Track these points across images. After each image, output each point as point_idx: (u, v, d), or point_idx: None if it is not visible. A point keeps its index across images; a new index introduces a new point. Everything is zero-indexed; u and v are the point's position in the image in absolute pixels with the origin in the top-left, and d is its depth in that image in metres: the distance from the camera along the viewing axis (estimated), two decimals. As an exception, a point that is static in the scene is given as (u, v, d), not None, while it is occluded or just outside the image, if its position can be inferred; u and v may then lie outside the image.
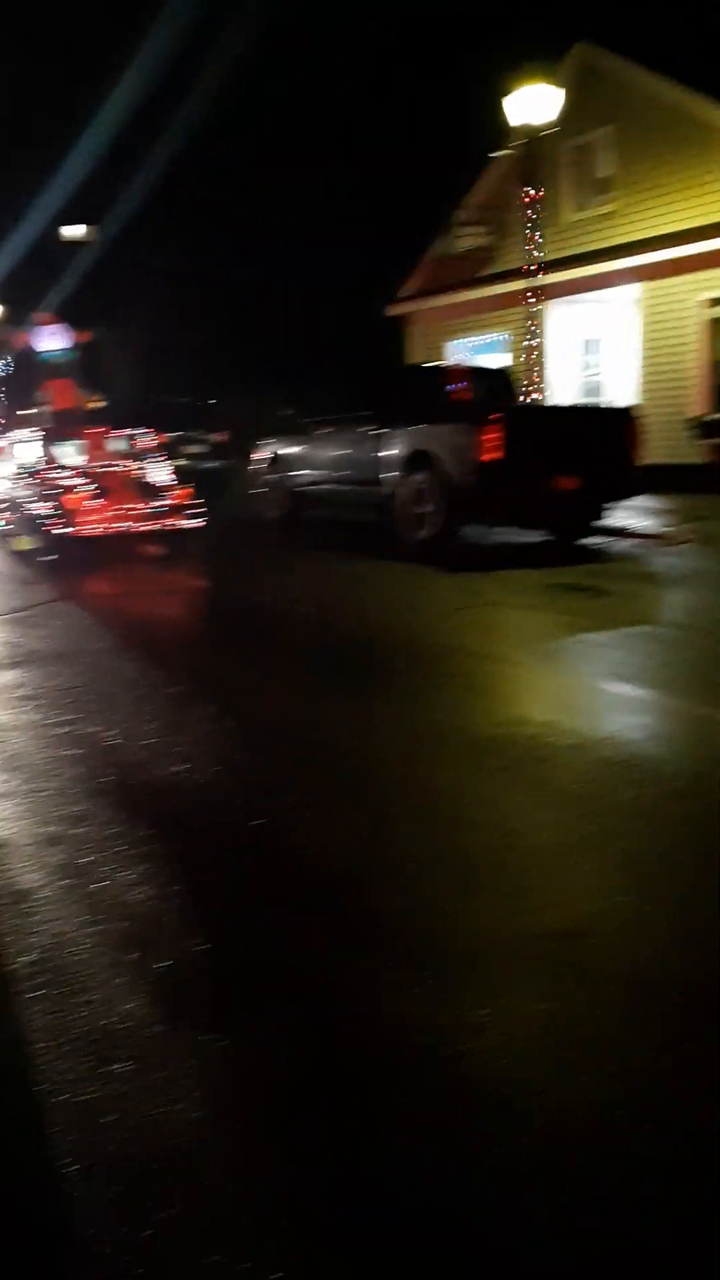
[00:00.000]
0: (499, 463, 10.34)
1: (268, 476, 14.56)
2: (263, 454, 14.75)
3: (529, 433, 11.01)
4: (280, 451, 14.17)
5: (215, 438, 22.41)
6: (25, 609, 9.01)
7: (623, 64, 18.50)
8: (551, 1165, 2.12)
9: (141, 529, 11.26)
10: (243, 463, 15.93)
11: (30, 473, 12.38)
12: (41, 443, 12.68)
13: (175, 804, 4.17)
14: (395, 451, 11.64)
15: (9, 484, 13.22)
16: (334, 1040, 2.57)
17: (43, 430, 13.02)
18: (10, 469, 13.35)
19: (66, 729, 5.21)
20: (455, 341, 23.27)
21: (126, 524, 11.15)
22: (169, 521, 11.42)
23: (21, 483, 12.62)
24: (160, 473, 12.27)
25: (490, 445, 10.37)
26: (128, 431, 12.96)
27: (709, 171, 17.07)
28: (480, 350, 22.50)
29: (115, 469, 12.03)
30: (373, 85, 29.21)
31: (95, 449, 12.59)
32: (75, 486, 11.28)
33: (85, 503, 11.04)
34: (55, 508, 11.07)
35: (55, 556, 11.05)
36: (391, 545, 11.33)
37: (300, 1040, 2.55)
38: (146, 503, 11.43)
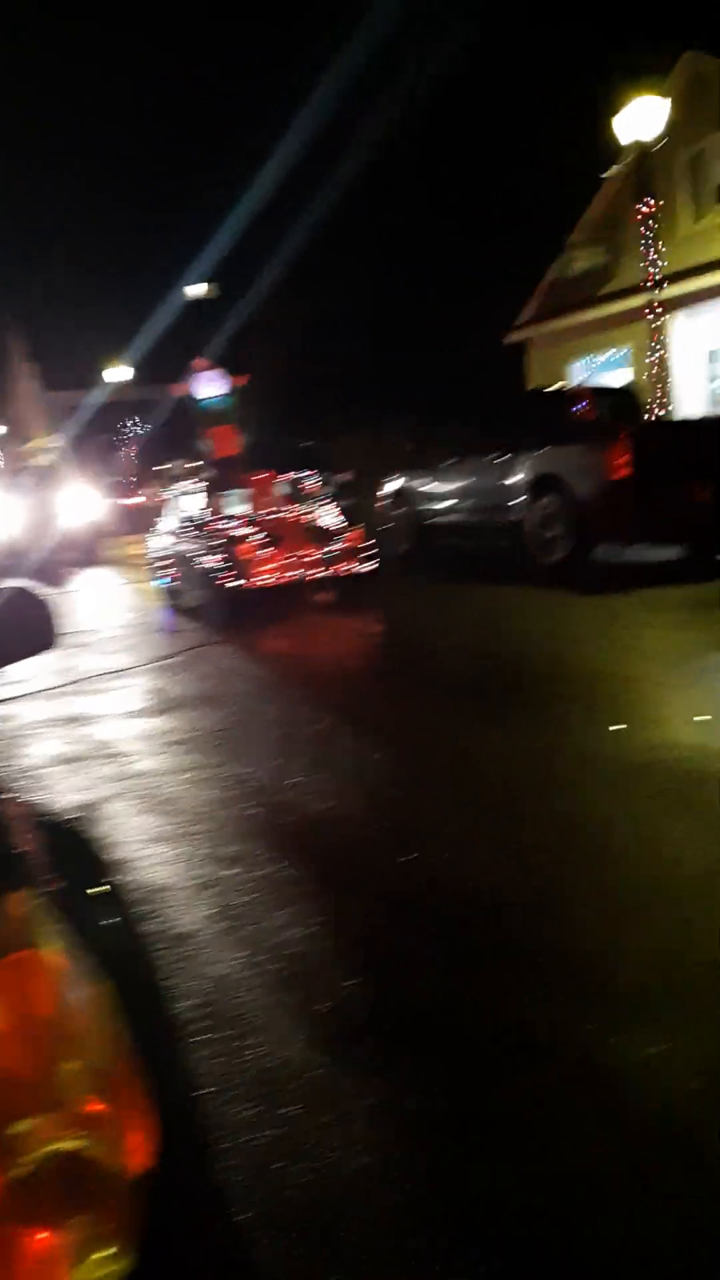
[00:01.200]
0: (628, 480, 10.14)
1: (394, 511, 14.63)
2: (388, 489, 14.83)
3: (657, 448, 10.77)
4: (405, 485, 14.23)
5: (340, 477, 22.65)
6: (198, 670, 9.21)
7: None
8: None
9: (315, 576, 10.64)
10: (369, 500, 15.84)
11: (196, 524, 11.65)
12: (205, 492, 11.90)
13: (328, 842, 4.17)
14: (521, 476, 11.55)
15: (173, 538, 12.43)
16: (501, 1080, 2.50)
17: (206, 479, 12.25)
18: (174, 522, 12.63)
19: (230, 771, 5.29)
20: (576, 362, 23.04)
21: (300, 572, 10.53)
22: (343, 566, 10.76)
23: (188, 536, 11.82)
24: (329, 516, 11.48)
25: (619, 463, 10.19)
26: (293, 475, 12.21)
27: None
28: (603, 369, 22.21)
29: (285, 515, 11.30)
30: (481, 115, 29.36)
31: (261, 495, 11.83)
32: (246, 536, 10.61)
33: (257, 552, 10.40)
34: (226, 559, 10.42)
35: (226, 611, 10.38)
36: (524, 572, 11.21)
37: (466, 1080, 2.50)
38: (319, 548, 10.74)
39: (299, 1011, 2.85)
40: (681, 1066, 2.45)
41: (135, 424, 38.97)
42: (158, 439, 38.44)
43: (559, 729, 5.55)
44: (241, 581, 10.20)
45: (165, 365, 36.81)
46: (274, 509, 11.39)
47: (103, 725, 6.54)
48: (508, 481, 11.78)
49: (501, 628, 8.71)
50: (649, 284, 15.68)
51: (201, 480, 12.22)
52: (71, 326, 35.95)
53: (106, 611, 12.72)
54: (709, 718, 5.59)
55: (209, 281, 33.99)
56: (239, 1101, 2.47)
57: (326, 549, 10.72)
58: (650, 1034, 2.58)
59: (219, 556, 10.49)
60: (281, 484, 11.98)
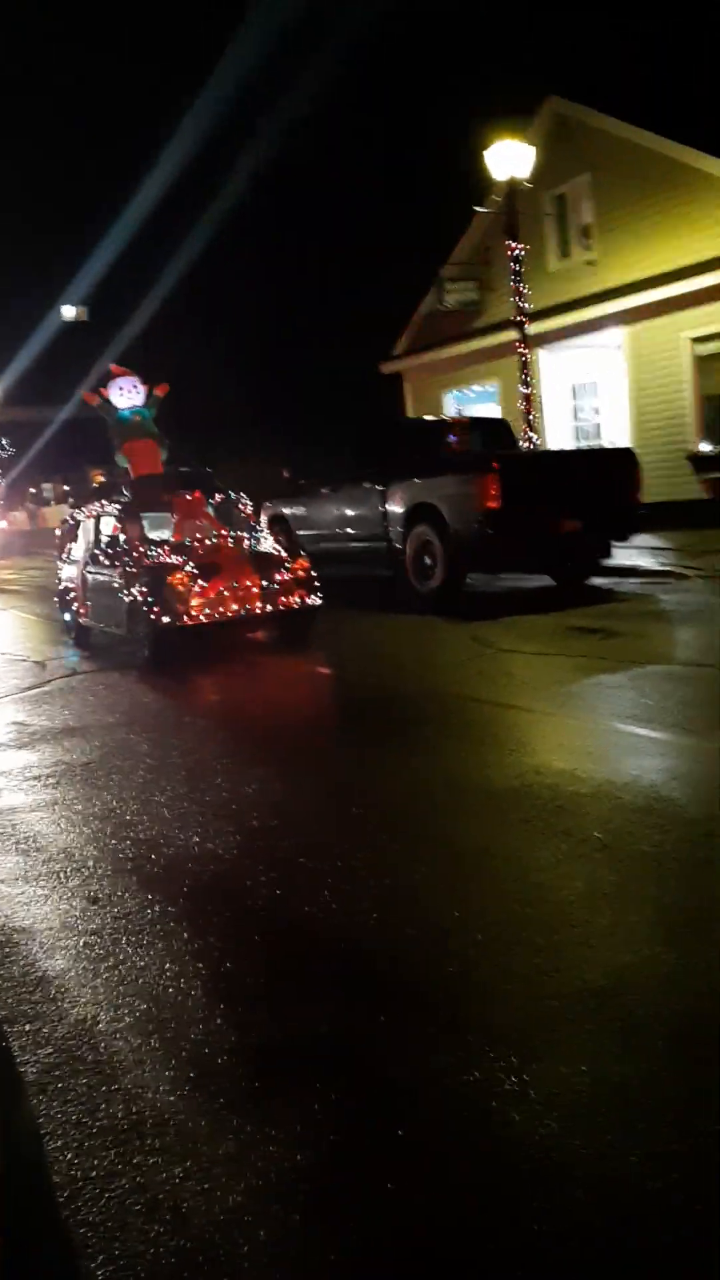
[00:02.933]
0: (499, 510, 10.37)
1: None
2: (264, 516, 14.84)
3: (527, 479, 11.07)
4: (285, 512, 14.24)
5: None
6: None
7: (593, 115, 18.88)
8: (606, 1229, 2.03)
9: (258, 611, 9.21)
10: None
11: (115, 552, 10.02)
12: (123, 515, 10.22)
13: (196, 878, 4.09)
14: (397, 505, 11.69)
15: (86, 566, 10.76)
16: (369, 1113, 2.48)
17: (123, 501, 10.56)
18: (82, 549, 11.04)
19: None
20: (450, 393, 23.51)
21: (241, 606, 9.10)
22: (289, 600, 9.35)
23: (104, 564, 10.17)
24: (267, 542, 10.19)
25: (489, 493, 10.41)
26: (222, 496, 10.88)
27: (685, 214, 17.32)
28: (475, 400, 22.71)
29: (220, 541, 9.90)
30: (358, 148, 29.85)
31: (189, 518, 10.33)
32: (177, 565, 9.12)
33: (191, 584, 8.94)
34: (153, 592, 8.91)
35: (156, 650, 9.05)
36: (402, 599, 11.32)
37: (333, 1116, 2.46)
38: (260, 579, 9.28)
39: (162, 1056, 2.78)
40: (549, 1091, 2.46)
41: (3, 445, 38.11)
42: (34, 460, 37.64)
43: (430, 755, 5.59)
44: (173, 619, 8.81)
45: (36, 387, 36.15)
46: (205, 535, 10.09)
47: (-36, 759, 6.31)
48: (384, 509, 11.91)
49: (377, 655, 8.77)
50: (517, 320, 16.14)
51: (117, 502, 10.66)
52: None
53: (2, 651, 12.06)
54: (572, 741, 5.71)
55: (81, 305, 33.57)
56: (95, 1152, 2.38)
57: (269, 580, 9.34)
58: (518, 1061, 2.59)
59: (144, 589, 9.03)
60: (210, 506, 10.68)
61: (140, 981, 3.21)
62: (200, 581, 8.98)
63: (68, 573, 11.45)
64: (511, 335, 16.67)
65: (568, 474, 11.84)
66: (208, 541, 9.80)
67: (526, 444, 15.61)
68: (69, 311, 37.79)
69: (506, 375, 19.76)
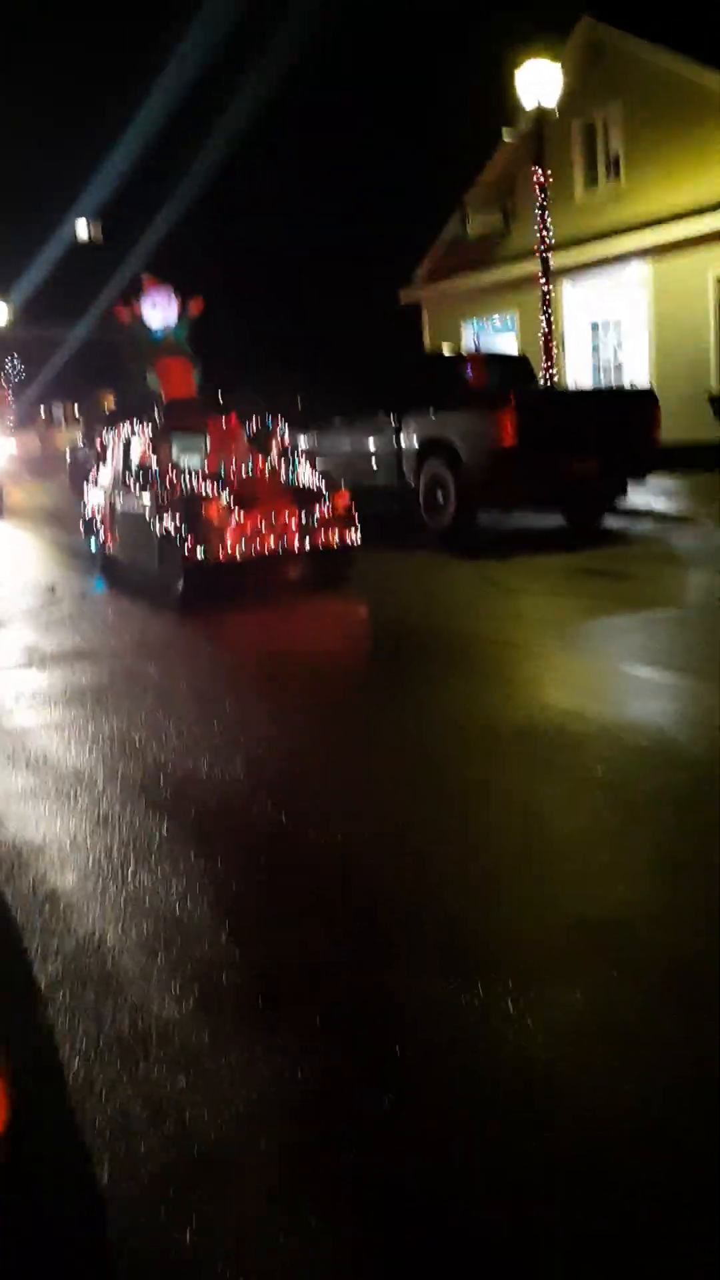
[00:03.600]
0: (514, 448, 10.29)
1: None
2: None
3: (544, 416, 10.95)
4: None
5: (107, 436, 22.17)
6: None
7: (627, 38, 18.28)
8: (594, 1153, 2.10)
9: (296, 548, 8.62)
10: None
11: (145, 478, 9.32)
12: (154, 439, 9.51)
13: (203, 803, 4.16)
14: (412, 439, 11.60)
15: (113, 493, 10.11)
16: (369, 1032, 2.56)
17: (155, 423, 9.81)
18: (109, 474, 10.31)
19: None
20: (469, 324, 23.16)
21: (278, 542, 8.54)
22: (328, 537, 8.76)
23: (132, 491, 9.54)
24: (306, 474, 9.49)
25: (505, 430, 10.31)
26: (259, 421, 10.04)
27: (718, 147, 16.87)
28: (495, 332, 22.37)
29: (257, 470, 9.21)
30: (381, 69, 29.05)
31: (225, 444, 9.56)
32: (212, 494, 8.53)
33: (227, 516, 8.35)
34: (187, 522, 8.32)
35: (187, 586, 8.45)
36: (413, 533, 11.29)
37: (333, 1034, 2.54)
38: (299, 513, 8.67)
39: (168, 972, 2.86)
40: (542, 1018, 2.54)
41: (15, 364, 37.71)
42: (44, 381, 37.26)
43: (436, 692, 5.63)
44: (209, 553, 8.25)
45: (48, 305, 35.68)
46: (242, 462, 9.35)
47: (-25, 679, 6.37)
48: (398, 443, 11.82)
49: (384, 591, 8.77)
50: (540, 250, 15.82)
51: (149, 424, 9.88)
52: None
53: (15, 575, 11.70)
54: (579, 682, 5.75)
55: (95, 221, 32.95)
56: (102, 1060, 2.47)
57: (308, 515, 8.71)
58: (514, 988, 2.66)
59: (177, 520, 8.45)
60: (247, 431, 9.89)
61: (147, 901, 3.29)
62: (237, 514, 8.42)
63: (94, 498, 10.82)
64: (533, 266, 16.35)
65: (585, 413, 11.70)
66: (244, 471, 9.17)
67: (545, 380, 15.41)
68: (82, 227, 37.14)
69: (527, 307, 19.42)
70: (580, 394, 15.64)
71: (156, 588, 8.96)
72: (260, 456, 9.56)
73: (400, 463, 11.77)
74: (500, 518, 12.36)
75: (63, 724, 5.34)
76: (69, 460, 22.04)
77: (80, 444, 21.74)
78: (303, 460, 9.71)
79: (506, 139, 18.34)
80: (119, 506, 9.87)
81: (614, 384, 19.60)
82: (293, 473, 9.42)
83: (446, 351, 17.76)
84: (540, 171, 15.71)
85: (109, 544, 10.28)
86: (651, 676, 5.64)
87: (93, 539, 10.84)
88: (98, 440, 11.73)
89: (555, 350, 15.90)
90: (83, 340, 34.67)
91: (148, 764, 4.63)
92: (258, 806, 4.06)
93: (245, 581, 8.51)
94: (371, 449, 12.33)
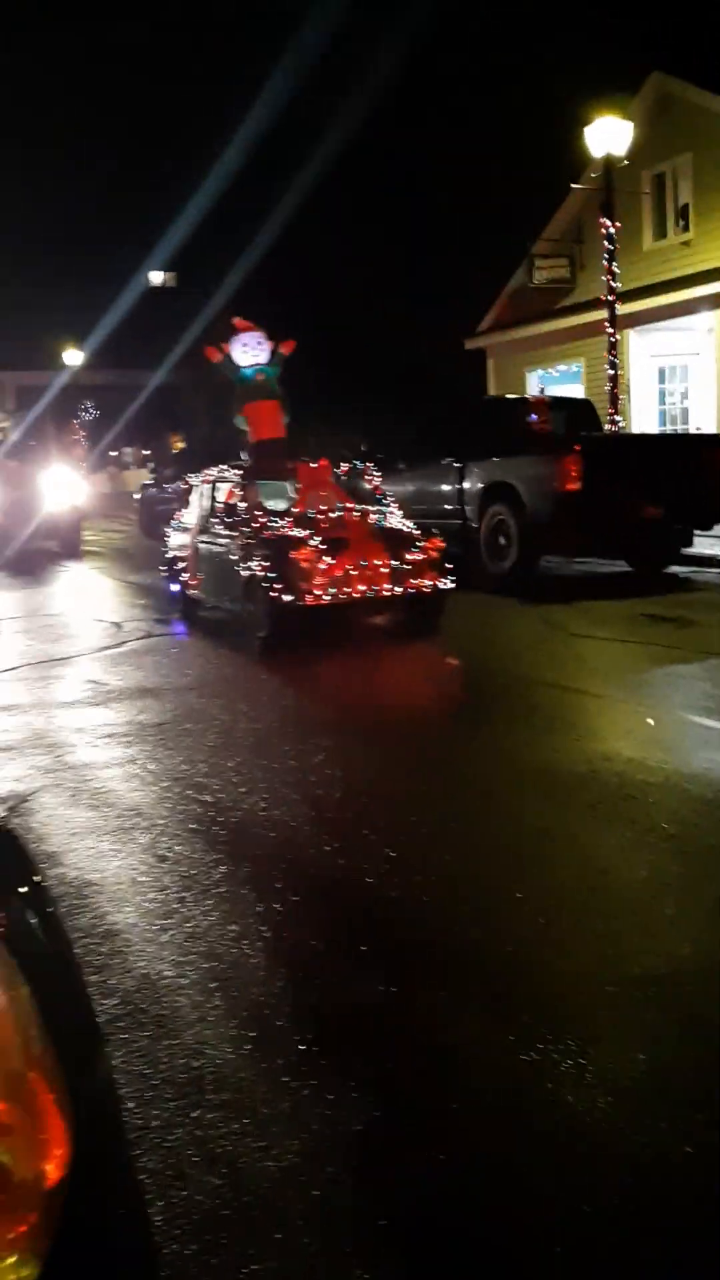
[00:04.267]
0: (578, 493, 10.25)
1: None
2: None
3: (609, 462, 10.92)
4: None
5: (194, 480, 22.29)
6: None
7: (697, 92, 18.39)
8: (649, 1213, 2.04)
9: (386, 593, 8.38)
10: None
11: (232, 521, 9.24)
12: (240, 480, 9.51)
13: (264, 844, 4.16)
14: (476, 484, 11.64)
15: (197, 535, 9.99)
16: (425, 1086, 2.52)
17: (242, 467, 9.84)
18: (195, 516, 10.24)
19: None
20: (534, 373, 23.24)
21: (369, 587, 8.31)
22: (418, 582, 8.52)
23: (219, 534, 9.43)
24: (395, 519, 9.32)
25: (570, 476, 10.29)
26: (346, 465, 10.07)
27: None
28: (558, 381, 22.42)
29: (349, 514, 9.02)
30: (455, 120, 29.48)
31: (314, 488, 9.50)
32: (303, 538, 8.33)
33: (317, 560, 8.16)
34: (275, 566, 8.16)
35: (274, 629, 8.23)
36: (476, 578, 11.28)
37: (387, 1082, 2.51)
38: (390, 558, 8.47)
39: (223, 1014, 2.84)
40: (603, 1075, 2.48)
41: (88, 408, 38.59)
42: (127, 424, 38.02)
43: (499, 738, 5.59)
44: (295, 597, 8.02)
45: (121, 353, 36.53)
46: (331, 505, 9.20)
47: (38, 714, 6.47)
48: (462, 487, 11.86)
49: (445, 635, 8.75)
50: (608, 299, 15.87)
51: (236, 468, 9.86)
52: (24, 305, 35.45)
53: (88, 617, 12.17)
54: (643, 730, 5.67)
55: (169, 270, 33.78)
56: (156, 1103, 2.46)
57: (399, 559, 8.51)
58: (575, 1044, 2.61)
59: (265, 562, 8.27)
60: (335, 476, 9.85)
61: (204, 940, 3.28)
62: (326, 558, 8.21)
63: (176, 540, 10.69)
64: (600, 315, 16.39)
65: (652, 459, 11.64)
66: (333, 514, 8.94)
67: (611, 427, 15.38)
68: (156, 277, 38.07)
69: (592, 355, 19.46)
70: (645, 438, 15.57)
71: (239, 629, 8.82)
72: (350, 500, 9.49)
73: (464, 506, 11.80)
74: (562, 563, 12.31)
75: (132, 758, 5.39)
76: (138, 500, 22.41)
77: (149, 484, 22.08)
78: (392, 504, 9.57)
79: (576, 187, 18.50)
80: (204, 548, 9.77)
81: (680, 429, 19.51)
82: (382, 517, 9.24)
83: (510, 396, 17.81)
84: (608, 222, 15.80)
85: (192, 585, 10.12)
86: (717, 726, 5.54)
87: (174, 583, 10.65)
88: (182, 483, 11.76)
89: (621, 397, 15.88)
90: (154, 385, 35.38)
91: (206, 802, 4.64)
92: (314, 848, 4.05)
93: (331, 625, 8.30)
94: (434, 492, 12.38)
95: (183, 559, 10.35)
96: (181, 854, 4.04)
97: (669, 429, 20.14)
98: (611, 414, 15.49)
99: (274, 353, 10.43)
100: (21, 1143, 0.93)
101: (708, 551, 11.97)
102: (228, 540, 9.15)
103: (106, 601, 12.53)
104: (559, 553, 11.77)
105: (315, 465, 9.71)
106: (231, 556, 8.94)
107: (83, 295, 35.22)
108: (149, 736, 5.85)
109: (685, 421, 19.96)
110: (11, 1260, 0.89)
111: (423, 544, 8.69)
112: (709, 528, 11.59)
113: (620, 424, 15.74)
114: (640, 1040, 2.63)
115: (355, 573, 8.27)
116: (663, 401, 20.79)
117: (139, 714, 6.38)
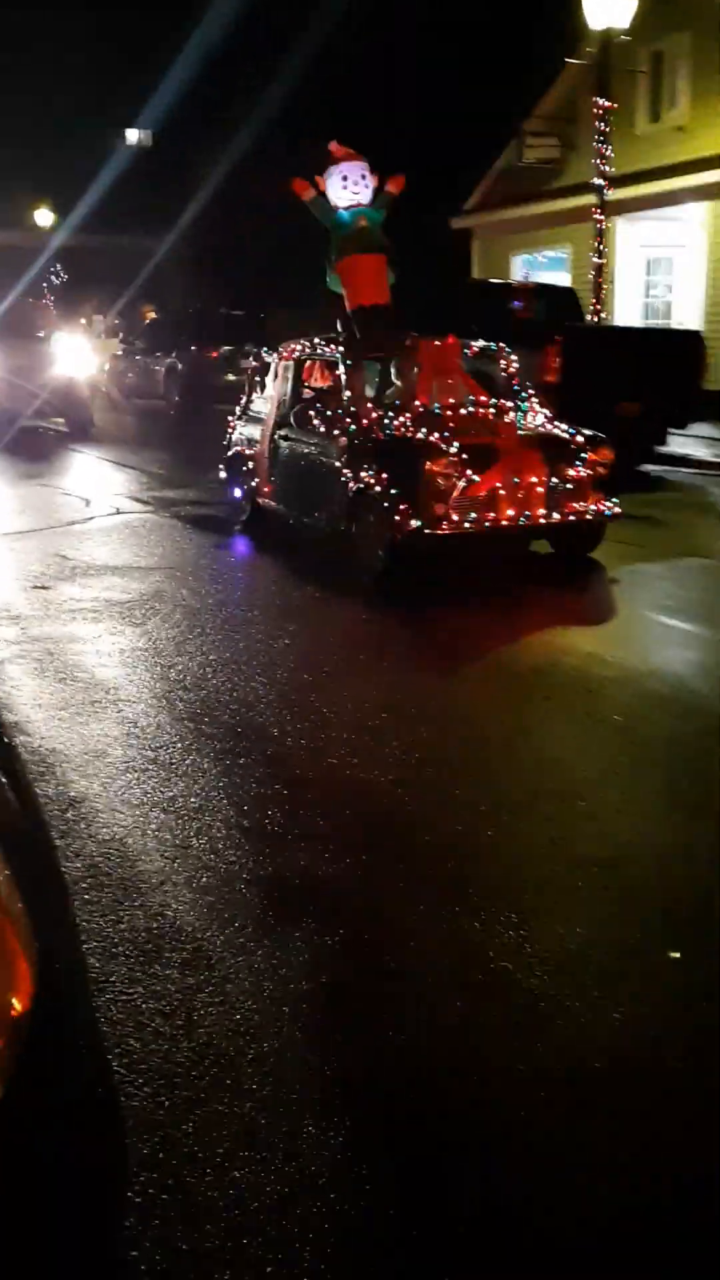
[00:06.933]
0: (556, 386, 10.15)
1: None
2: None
3: (589, 354, 10.78)
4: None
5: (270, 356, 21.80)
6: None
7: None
8: (583, 1075, 2.20)
9: (541, 520, 6.49)
10: None
11: (330, 415, 7.12)
12: (337, 364, 7.27)
13: (231, 719, 4.24)
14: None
15: (268, 430, 7.83)
16: (375, 949, 2.66)
17: (338, 343, 7.43)
18: (271, 404, 7.92)
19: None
20: (519, 256, 22.69)
21: (519, 512, 6.39)
22: (583, 506, 6.64)
23: (306, 430, 7.35)
24: (538, 416, 7.30)
25: (548, 366, 10.18)
26: (482, 345, 7.84)
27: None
28: (545, 266, 21.93)
29: (492, 414, 7.01)
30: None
31: (441, 376, 7.32)
32: (437, 445, 6.28)
33: (456, 476, 6.21)
34: (398, 481, 6.23)
35: (387, 567, 6.35)
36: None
37: (340, 948, 2.64)
38: (547, 474, 6.53)
39: (184, 881, 2.96)
40: (543, 948, 2.63)
41: (56, 272, 37.23)
42: (88, 291, 36.81)
43: (459, 629, 5.67)
44: (428, 524, 6.10)
45: (98, 215, 35.17)
46: (461, 401, 7.11)
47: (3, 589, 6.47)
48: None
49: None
50: (598, 183, 15.44)
51: (329, 344, 7.52)
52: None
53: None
54: (603, 625, 5.77)
55: (146, 130, 32.37)
56: (118, 959, 2.58)
57: (560, 476, 6.58)
58: (518, 919, 2.75)
59: (385, 474, 6.32)
60: (468, 358, 7.68)
61: (166, 811, 3.39)
62: (469, 472, 6.30)
63: (244, 432, 8.30)
64: (589, 199, 15.94)
65: (631, 353, 11.52)
66: (467, 412, 6.96)
67: (594, 317, 15.14)
68: (133, 136, 36.46)
69: (579, 242, 19.01)
70: (627, 332, 15.34)
71: (338, 560, 6.84)
72: (483, 393, 7.34)
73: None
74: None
75: (94, 635, 5.42)
76: (107, 370, 21.85)
77: (120, 355, 21.49)
78: (536, 401, 7.53)
79: (572, 62, 17.80)
80: (285, 447, 7.60)
81: (662, 324, 19.23)
82: (524, 417, 7.21)
83: (493, 281, 17.44)
84: (602, 101, 15.26)
85: (264, 492, 7.88)
86: (677, 624, 5.66)
87: (238, 487, 8.27)
88: (252, 359, 9.38)
89: (605, 287, 15.59)
90: (125, 250, 34.19)
91: (172, 679, 4.71)
92: (279, 728, 4.14)
93: (466, 561, 6.62)
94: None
95: (250, 457, 8.04)
96: (149, 726, 4.12)
97: (651, 322, 19.85)
98: (594, 305, 15.23)
99: (379, 191, 7.90)
100: None
101: (680, 451, 11.96)
102: (321, 440, 7.12)
103: (87, 482, 12.15)
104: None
105: (441, 344, 7.49)
106: (326, 460, 6.95)
107: (56, 155, 33.72)
108: (127, 612, 5.87)
109: (668, 316, 19.68)
110: None
111: (588, 454, 6.72)
112: (683, 426, 11.56)
113: (603, 315, 15.49)
114: (578, 917, 2.78)
115: (505, 492, 6.36)
116: (647, 294, 20.44)
117: (116, 591, 6.39)
